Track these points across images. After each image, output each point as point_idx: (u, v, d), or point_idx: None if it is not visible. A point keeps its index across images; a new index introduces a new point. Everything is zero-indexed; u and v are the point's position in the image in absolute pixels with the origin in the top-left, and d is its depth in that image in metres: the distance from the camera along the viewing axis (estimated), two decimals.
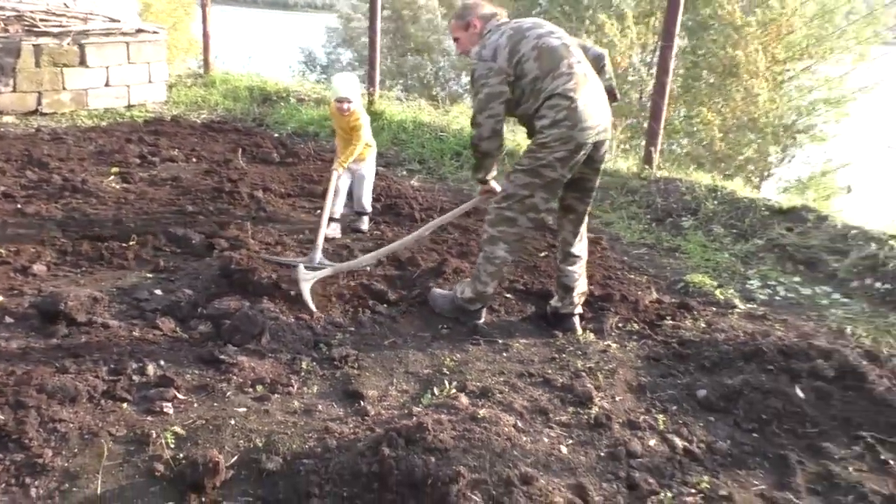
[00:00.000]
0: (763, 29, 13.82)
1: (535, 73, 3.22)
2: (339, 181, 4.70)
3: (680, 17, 5.71)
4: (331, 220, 4.68)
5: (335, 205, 4.69)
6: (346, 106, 4.54)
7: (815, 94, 16.04)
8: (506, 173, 3.51)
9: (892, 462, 2.68)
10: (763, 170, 15.67)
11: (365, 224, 4.92)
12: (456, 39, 3.61)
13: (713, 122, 13.46)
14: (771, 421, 2.87)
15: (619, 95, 3.70)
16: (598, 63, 3.50)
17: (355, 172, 4.83)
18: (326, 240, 4.45)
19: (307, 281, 3.68)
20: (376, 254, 4.09)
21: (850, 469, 2.63)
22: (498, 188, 3.74)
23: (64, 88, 7.53)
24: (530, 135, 3.47)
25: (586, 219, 3.65)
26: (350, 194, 4.89)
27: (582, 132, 3.20)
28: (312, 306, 3.55)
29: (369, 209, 4.96)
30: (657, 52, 7.15)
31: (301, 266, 3.81)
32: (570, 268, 3.63)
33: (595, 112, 3.26)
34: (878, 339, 3.78)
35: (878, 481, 2.57)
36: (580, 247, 3.65)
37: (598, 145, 3.35)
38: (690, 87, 14.44)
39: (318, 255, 4.12)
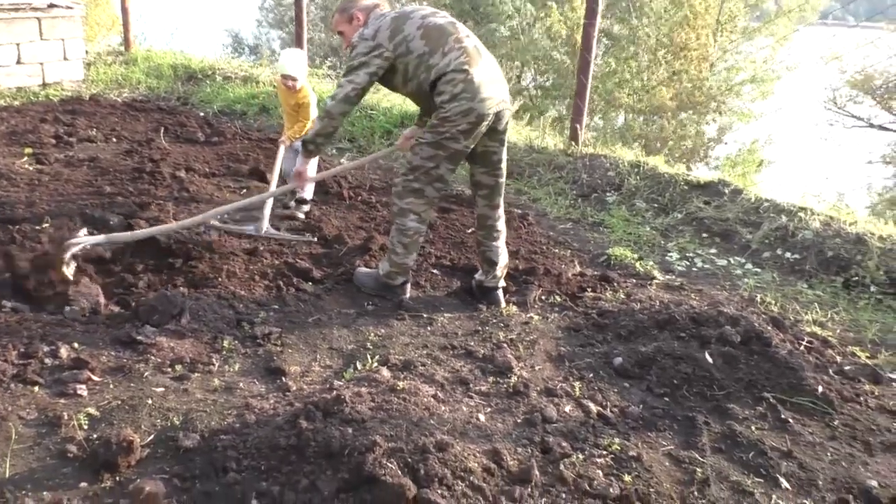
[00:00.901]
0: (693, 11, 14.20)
1: (422, 49, 3.28)
2: (285, 160, 4.63)
3: None
4: (300, 201, 4.69)
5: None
6: (290, 83, 4.47)
7: (741, 75, 16.62)
8: (411, 146, 3.56)
9: (791, 421, 2.84)
10: (703, 152, 16.18)
11: (301, 212, 4.71)
12: (341, 33, 3.65)
13: (664, 95, 13.76)
14: (681, 385, 3.00)
15: None
16: None
17: (298, 151, 4.69)
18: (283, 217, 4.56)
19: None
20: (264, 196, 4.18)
21: (753, 428, 2.77)
22: (307, 176, 3.93)
23: None
24: (424, 112, 3.59)
25: (502, 192, 3.70)
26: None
27: (482, 103, 3.27)
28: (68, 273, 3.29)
29: (310, 196, 4.82)
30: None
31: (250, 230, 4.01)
32: (492, 242, 3.69)
33: (492, 83, 3.33)
34: (785, 306, 3.99)
35: (778, 439, 2.73)
36: (500, 221, 3.72)
37: (499, 115, 3.42)
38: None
39: (265, 224, 4.17)
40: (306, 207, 4.74)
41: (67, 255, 3.32)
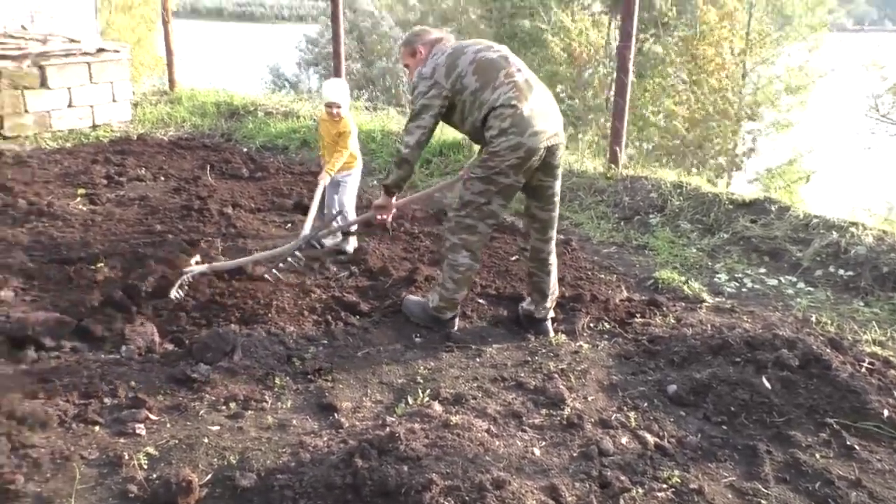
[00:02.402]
0: (721, 22, 14.12)
1: (474, 85, 3.28)
2: (326, 194, 4.69)
3: (636, 18, 5.79)
4: (346, 233, 4.71)
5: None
6: (335, 111, 4.53)
7: (776, 85, 16.37)
8: (462, 180, 3.55)
9: (857, 448, 2.75)
10: (732, 161, 15.94)
11: (350, 245, 4.73)
12: (406, 66, 3.69)
13: (677, 113, 13.69)
14: (739, 412, 2.93)
15: None
16: None
17: (339, 184, 4.71)
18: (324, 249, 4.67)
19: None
20: (282, 250, 4.22)
21: (817, 456, 2.70)
22: (394, 204, 3.85)
23: (26, 111, 7.44)
24: (481, 148, 3.53)
25: (556, 225, 3.67)
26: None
27: (532, 137, 3.24)
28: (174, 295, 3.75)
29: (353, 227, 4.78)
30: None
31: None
32: (544, 275, 3.67)
33: (543, 117, 3.30)
34: (842, 325, 3.88)
35: (845, 467, 2.64)
36: (553, 254, 3.69)
37: (552, 150, 3.38)
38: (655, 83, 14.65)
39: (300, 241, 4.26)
40: (354, 242, 4.77)
41: (179, 281, 3.80)
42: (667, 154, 14.05)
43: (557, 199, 3.61)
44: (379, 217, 3.92)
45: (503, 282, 4.28)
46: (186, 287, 3.85)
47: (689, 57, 14.44)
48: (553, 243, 3.68)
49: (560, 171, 3.55)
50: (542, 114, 3.31)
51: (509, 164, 3.28)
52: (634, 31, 5.78)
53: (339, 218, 4.60)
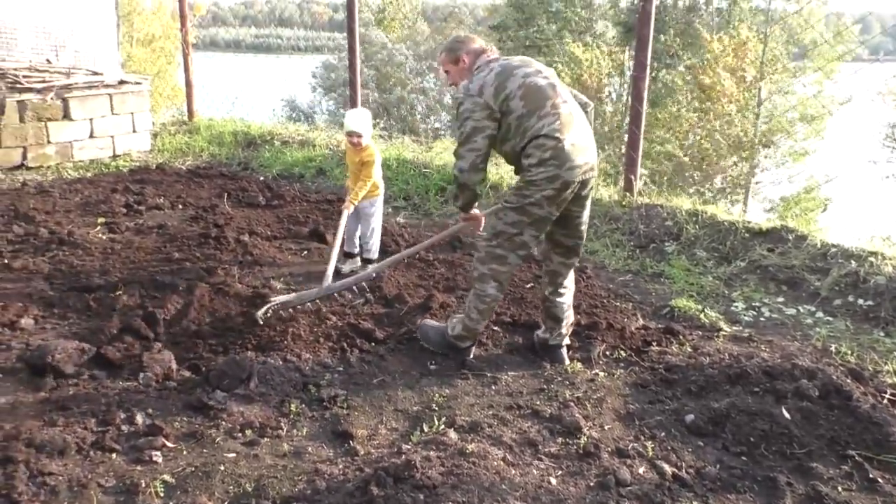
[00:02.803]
0: (732, 52, 14.21)
1: (521, 111, 3.26)
2: (348, 222, 4.72)
3: (650, 48, 5.85)
4: (347, 255, 4.82)
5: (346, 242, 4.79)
6: (356, 140, 4.57)
7: (790, 114, 16.40)
8: (494, 210, 3.55)
9: (880, 481, 2.70)
10: (747, 187, 15.93)
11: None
12: (446, 72, 3.65)
13: (682, 142, 13.76)
14: (759, 443, 2.89)
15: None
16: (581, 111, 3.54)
17: (362, 212, 4.77)
18: (342, 274, 4.64)
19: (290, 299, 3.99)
20: (356, 278, 4.27)
21: (839, 489, 2.65)
22: (480, 215, 3.81)
23: (49, 142, 7.59)
24: (517, 171, 3.50)
25: (580, 252, 3.66)
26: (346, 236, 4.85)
27: (569, 171, 3.24)
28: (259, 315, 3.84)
29: (376, 255, 4.85)
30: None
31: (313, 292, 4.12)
32: (559, 300, 3.66)
33: (582, 151, 3.30)
34: (862, 356, 3.83)
35: (868, 500, 2.60)
36: (570, 279, 3.69)
37: (584, 183, 3.39)
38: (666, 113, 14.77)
39: (326, 284, 4.24)
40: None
41: (264, 308, 3.91)
42: (679, 180, 14.08)
43: (584, 227, 3.60)
44: (470, 230, 4.00)
45: (518, 309, 4.27)
46: (270, 313, 3.93)
47: (696, 85, 14.54)
48: (572, 270, 3.68)
49: (589, 202, 3.55)
50: (582, 147, 3.30)
51: (544, 195, 3.27)
52: (648, 62, 5.83)
53: (367, 245, 4.80)
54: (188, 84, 9.76)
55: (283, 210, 6.33)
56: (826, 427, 2.97)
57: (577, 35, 17.10)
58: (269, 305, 3.97)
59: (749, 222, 5.53)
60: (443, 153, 7.93)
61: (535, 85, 3.30)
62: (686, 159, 13.85)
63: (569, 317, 3.70)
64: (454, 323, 3.64)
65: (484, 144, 3.30)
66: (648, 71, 5.89)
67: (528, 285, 4.67)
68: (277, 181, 7.52)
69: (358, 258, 4.92)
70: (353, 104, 8.02)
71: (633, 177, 6.09)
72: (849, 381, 3.28)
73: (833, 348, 3.90)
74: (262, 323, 3.79)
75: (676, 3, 20.54)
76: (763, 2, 18.30)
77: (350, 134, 4.59)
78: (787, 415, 3.01)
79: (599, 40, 16.29)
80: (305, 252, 5.30)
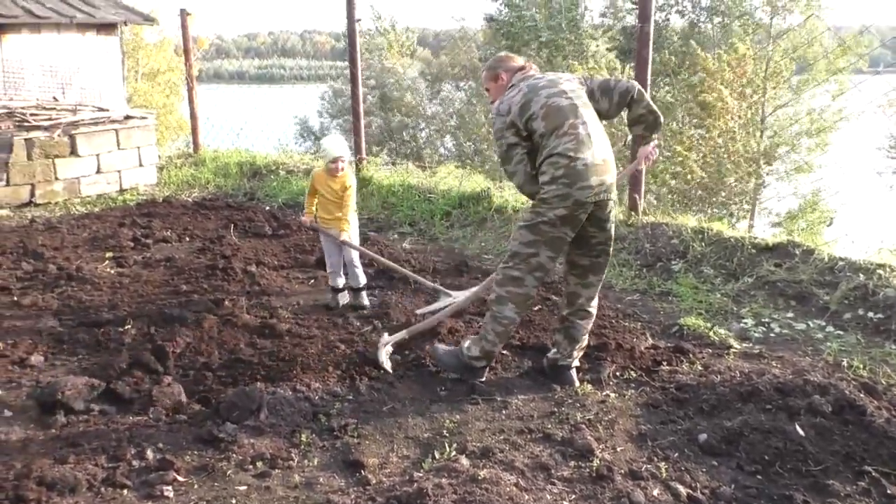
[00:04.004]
0: (731, 69, 14.28)
1: (542, 130, 3.35)
2: (337, 249, 4.70)
3: (650, 70, 5.89)
4: (336, 290, 4.75)
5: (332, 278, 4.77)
6: (341, 166, 4.51)
7: (795, 127, 16.43)
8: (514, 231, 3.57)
9: None
10: (753, 203, 15.91)
11: (365, 299, 4.77)
12: (487, 90, 3.78)
13: (689, 157, 13.78)
14: (773, 461, 2.86)
15: (661, 120, 3.71)
16: (625, 97, 3.56)
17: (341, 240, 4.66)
18: (330, 308, 4.68)
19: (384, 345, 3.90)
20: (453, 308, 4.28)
21: None
22: None
23: (56, 178, 7.67)
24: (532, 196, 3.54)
25: (600, 274, 3.63)
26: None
27: (580, 191, 3.27)
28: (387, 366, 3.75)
29: (363, 281, 4.79)
30: None
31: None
32: (579, 321, 3.65)
33: (597, 172, 3.31)
34: (875, 369, 3.80)
35: None
36: (593, 303, 3.68)
37: (601, 204, 3.39)
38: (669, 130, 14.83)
39: (441, 289, 4.26)
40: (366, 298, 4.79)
41: (382, 352, 3.82)
42: (682, 198, 14.09)
43: (604, 248, 3.57)
44: None
45: (527, 332, 4.26)
46: (389, 359, 3.83)
47: (696, 103, 14.61)
48: (594, 291, 3.65)
49: (610, 225, 3.53)
50: (597, 169, 3.32)
51: (557, 214, 3.30)
52: (649, 80, 5.87)
53: (362, 293, 4.74)
54: (193, 117, 9.88)
55: (290, 239, 6.36)
56: (841, 443, 2.94)
57: (569, 59, 17.22)
58: (385, 349, 3.86)
59: (755, 238, 5.52)
60: (447, 177, 7.96)
61: (557, 106, 3.38)
62: (689, 176, 13.87)
63: (584, 341, 3.69)
64: (469, 344, 3.63)
65: (522, 154, 3.44)
66: (649, 90, 5.92)
67: (536, 308, 4.66)
68: (283, 210, 7.57)
69: (345, 291, 4.80)
70: (356, 132, 8.09)
71: (637, 195, 6.10)
72: (862, 395, 3.26)
73: (845, 363, 3.87)
74: (391, 372, 3.70)
75: (669, 23, 20.78)
76: (765, 16, 18.43)
77: (335, 160, 4.49)
78: (800, 431, 2.99)
79: (592, 60, 16.38)
80: (312, 281, 5.32)
